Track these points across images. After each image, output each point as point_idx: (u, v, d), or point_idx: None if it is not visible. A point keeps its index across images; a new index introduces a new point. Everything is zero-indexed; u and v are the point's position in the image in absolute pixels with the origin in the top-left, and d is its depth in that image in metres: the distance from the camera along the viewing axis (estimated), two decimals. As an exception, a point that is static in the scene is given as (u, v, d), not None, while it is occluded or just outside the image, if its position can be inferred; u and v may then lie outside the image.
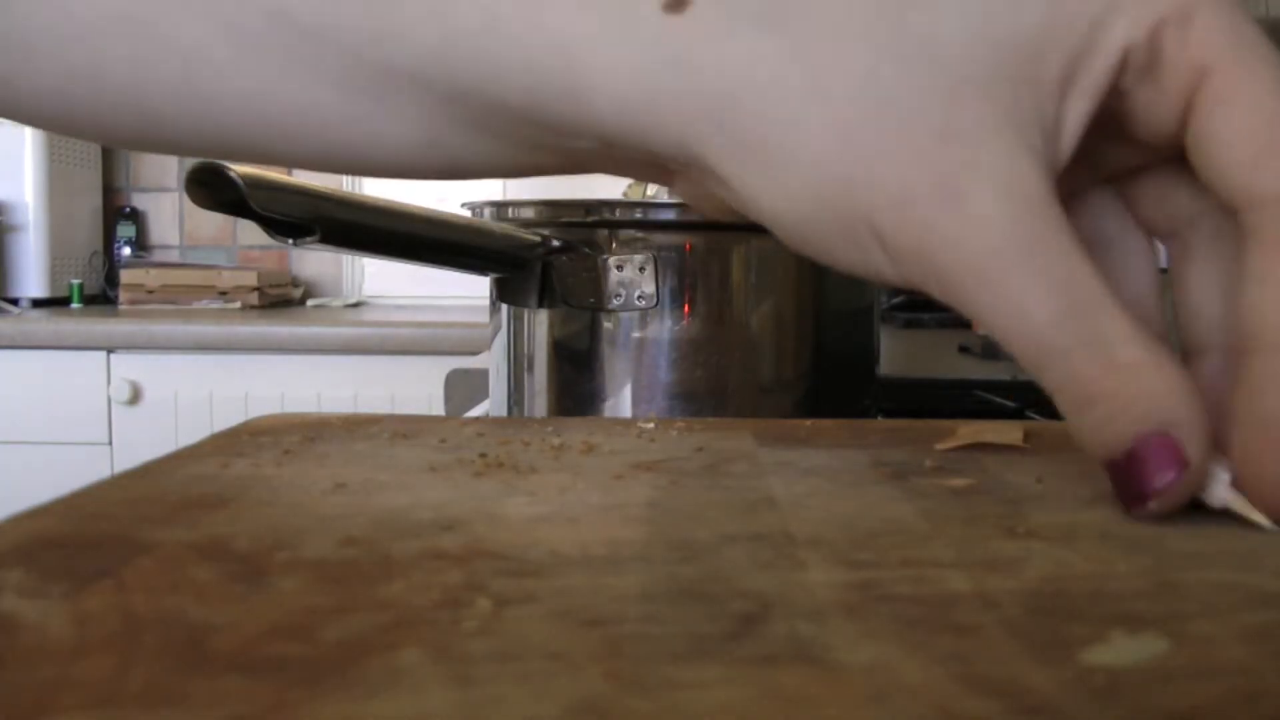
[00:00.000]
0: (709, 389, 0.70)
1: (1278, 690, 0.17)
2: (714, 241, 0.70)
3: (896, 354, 1.34)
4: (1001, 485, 0.32)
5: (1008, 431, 0.39)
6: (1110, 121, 0.25)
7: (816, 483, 0.32)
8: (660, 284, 0.69)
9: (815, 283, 0.72)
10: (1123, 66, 0.23)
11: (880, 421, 0.45)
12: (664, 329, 0.69)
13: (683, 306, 0.69)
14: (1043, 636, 0.19)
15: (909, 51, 0.22)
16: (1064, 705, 0.16)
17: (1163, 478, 0.25)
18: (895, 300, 1.89)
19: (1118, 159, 0.27)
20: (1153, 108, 0.24)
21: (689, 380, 0.70)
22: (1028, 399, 0.87)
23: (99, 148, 2.56)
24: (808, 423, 0.43)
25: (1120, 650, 0.19)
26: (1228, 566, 0.24)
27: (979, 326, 0.24)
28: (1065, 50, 0.23)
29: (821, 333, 0.73)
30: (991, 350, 1.30)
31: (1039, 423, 0.43)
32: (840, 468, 0.34)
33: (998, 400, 0.90)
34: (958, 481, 0.32)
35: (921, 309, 1.87)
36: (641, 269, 0.69)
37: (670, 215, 0.72)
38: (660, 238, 0.69)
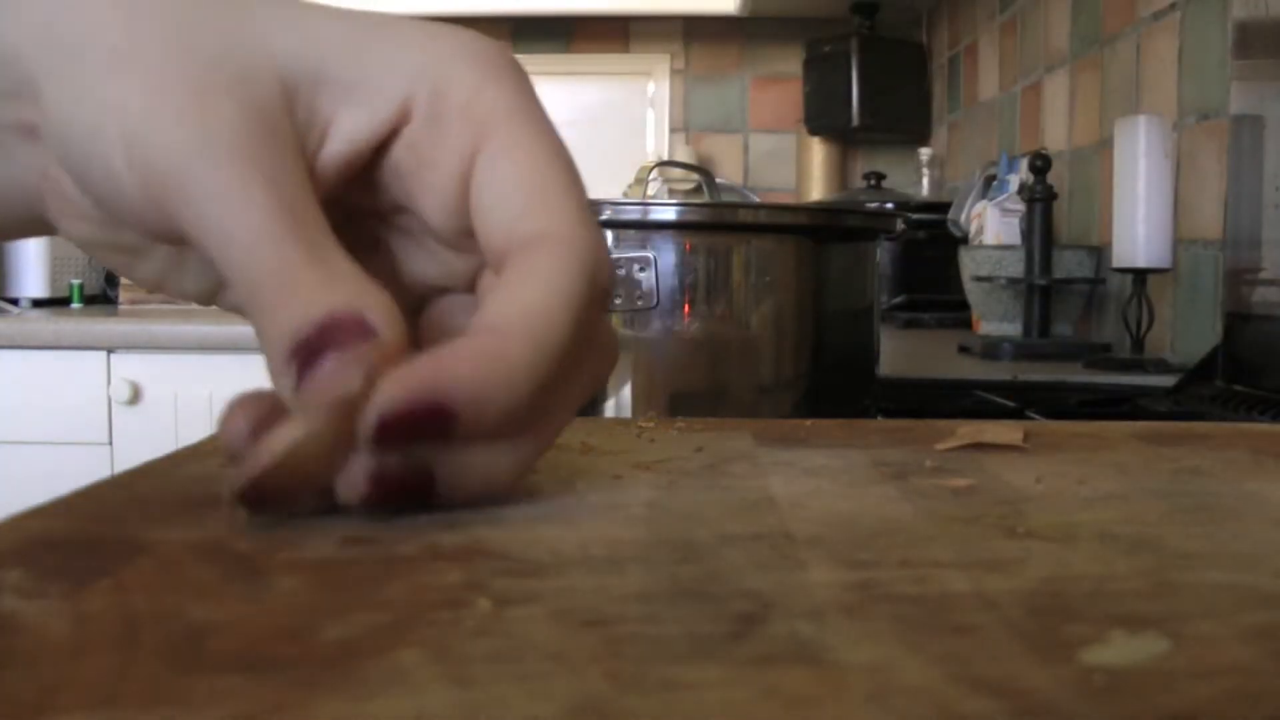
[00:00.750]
0: (709, 389, 0.70)
1: (1278, 690, 0.17)
2: (714, 241, 0.70)
3: (896, 354, 1.34)
4: (1001, 485, 0.32)
5: (1008, 431, 0.39)
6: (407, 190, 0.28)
7: (816, 483, 0.32)
8: (660, 284, 0.69)
9: (815, 283, 0.72)
10: (403, 116, 0.27)
11: (880, 421, 0.45)
12: (664, 329, 0.69)
13: (683, 306, 0.69)
14: (1043, 636, 0.19)
15: (198, 42, 0.26)
16: (1064, 705, 0.16)
17: (347, 343, 0.25)
18: (895, 300, 1.89)
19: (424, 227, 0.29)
20: (438, 165, 0.27)
21: (689, 380, 0.70)
22: (1028, 399, 0.88)
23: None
24: (808, 423, 0.43)
25: (1120, 650, 0.19)
26: (1228, 566, 0.24)
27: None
28: (350, 78, 0.27)
29: (821, 333, 0.73)
30: (991, 350, 1.31)
31: (1039, 423, 0.43)
32: (840, 468, 0.34)
33: (998, 400, 0.90)
34: (958, 481, 0.32)
35: (921, 309, 1.88)
36: (641, 269, 0.69)
37: (670, 215, 0.72)
38: (660, 238, 0.69)
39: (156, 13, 0.26)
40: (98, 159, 0.26)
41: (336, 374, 0.24)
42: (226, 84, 0.25)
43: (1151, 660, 0.18)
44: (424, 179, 0.28)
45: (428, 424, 0.25)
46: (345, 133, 0.27)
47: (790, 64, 2.67)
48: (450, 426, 0.25)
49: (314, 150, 0.27)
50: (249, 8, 0.27)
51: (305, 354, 0.25)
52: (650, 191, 2.13)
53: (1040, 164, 1.35)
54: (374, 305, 0.25)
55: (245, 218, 0.25)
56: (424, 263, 0.30)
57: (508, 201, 0.27)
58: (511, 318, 0.25)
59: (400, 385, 0.24)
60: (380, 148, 0.28)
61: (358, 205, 0.29)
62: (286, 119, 0.26)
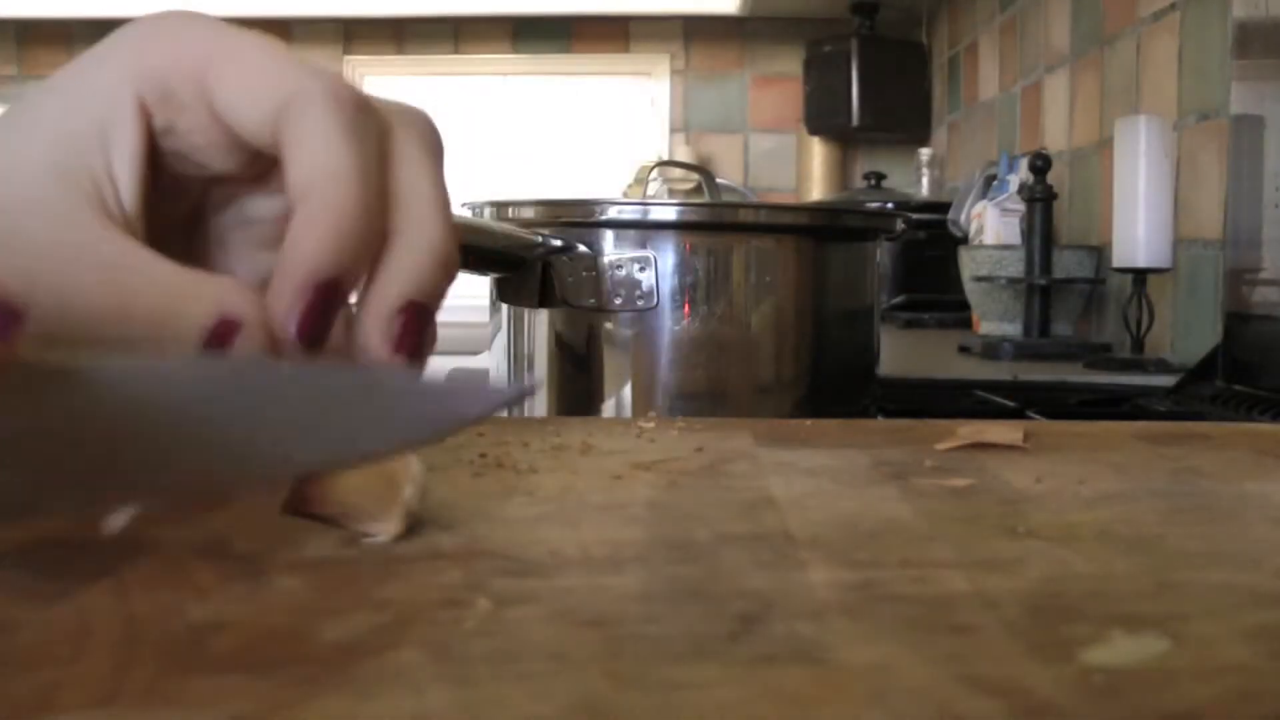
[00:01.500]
0: (709, 389, 0.70)
1: (1278, 690, 0.17)
2: (714, 241, 0.70)
3: (896, 354, 1.34)
4: (1001, 485, 0.32)
5: (1008, 431, 0.39)
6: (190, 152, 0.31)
7: (816, 483, 0.32)
8: (660, 284, 0.69)
9: (815, 283, 0.72)
10: (145, 115, 0.30)
11: (880, 421, 0.45)
12: (664, 329, 0.69)
13: (683, 306, 0.69)
14: (1043, 636, 0.19)
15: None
16: (1064, 705, 0.16)
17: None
18: (895, 300, 1.89)
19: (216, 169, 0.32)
20: (200, 123, 0.30)
21: (689, 380, 0.70)
22: (1028, 399, 0.87)
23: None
24: (808, 423, 0.43)
25: (1120, 650, 0.19)
26: (1228, 566, 0.24)
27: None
28: (88, 134, 0.30)
29: (821, 333, 0.73)
30: (991, 350, 1.31)
31: (1039, 423, 0.43)
32: (840, 468, 0.34)
33: (998, 400, 0.90)
34: (958, 481, 0.32)
35: (922, 309, 1.88)
36: (641, 269, 0.69)
37: (670, 215, 0.72)
38: (660, 238, 0.69)
39: None
40: None
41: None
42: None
43: (1151, 660, 0.18)
44: (199, 151, 0.31)
45: (329, 305, 0.27)
46: (122, 174, 0.30)
47: (790, 64, 2.67)
48: (340, 296, 0.28)
49: (116, 196, 0.30)
50: (16, 140, 0.30)
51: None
52: (650, 191, 2.13)
53: (1040, 164, 1.35)
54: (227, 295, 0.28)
55: (86, 263, 0.28)
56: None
57: (246, 96, 0.29)
58: (310, 181, 0.28)
59: (285, 302, 0.27)
60: (161, 153, 0.31)
61: (192, 205, 0.33)
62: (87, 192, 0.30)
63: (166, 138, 0.31)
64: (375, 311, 0.28)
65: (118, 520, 0.24)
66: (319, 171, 0.28)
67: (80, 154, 0.30)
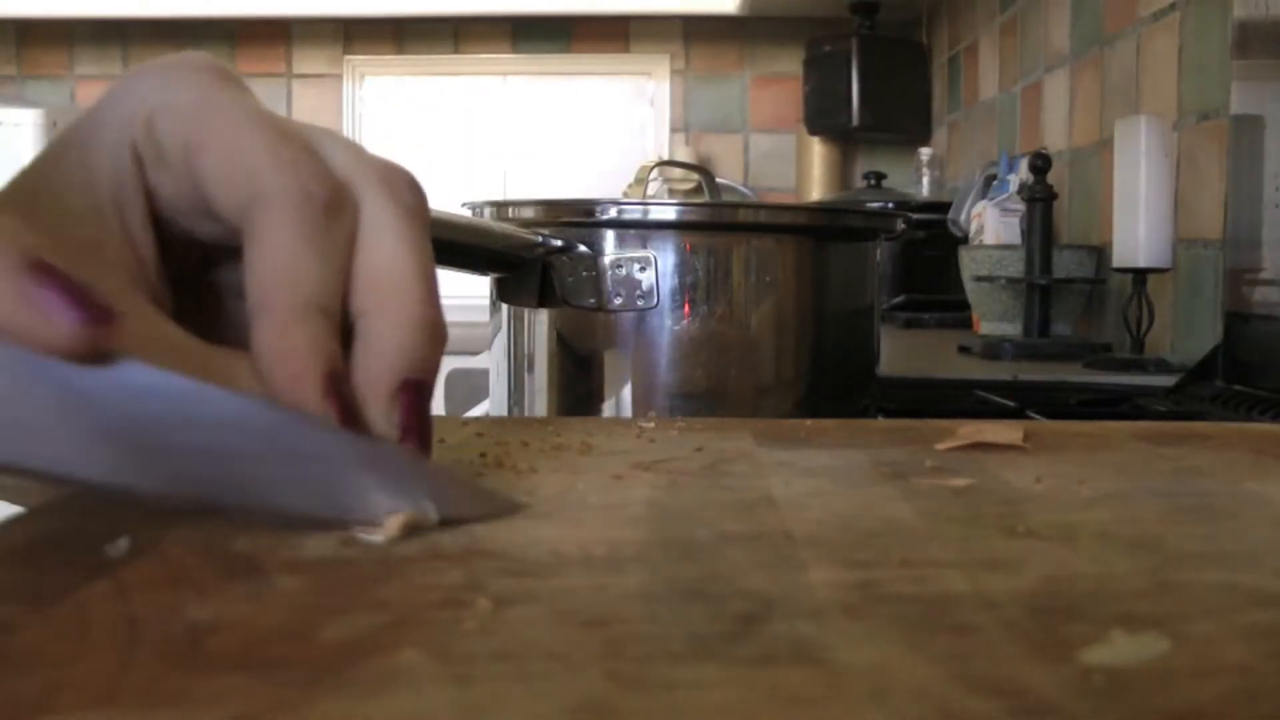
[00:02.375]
0: (709, 389, 0.70)
1: (1278, 690, 0.17)
2: (714, 241, 0.70)
3: (896, 354, 1.34)
4: (1001, 485, 0.32)
5: (1008, 431, 0.39)
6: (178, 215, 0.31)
7: (816, 483, 0.32)
8: (660, 284, 0.69)
9: (815, 283, 0.72)
10: (140, 169, 0.30)
11: (880, 421, 0.45)
12: (664, 329, 0.69)
13: (683, 306, 0.69)
14: (1043, 636, 0.19)
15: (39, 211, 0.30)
16: (1064, 705, 0.16)
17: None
18: (895, 300, 1.89)
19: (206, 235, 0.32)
20: (184, 190, 0.30)
21: (689, 380, 0.70)
22: (1028, 399, 0.87)
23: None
24: (808, 423, 0.43)
25: (1120, 650, 0.19)
26: (1228, 566, 0.24)
27: None
28: (105, 198, 0.30)
29: (821, 333, 0.73)
30: (991, 350, 1.31)
31: (1039, 423, 0.43)
32: (840, 468, 0.34)
33: (998, 400, 0.90)
34: (958, 481, 0.32)
35: (922, 309, 1.88)
36: (642, 269, 0.69)
37: (670, 215, 0.72)
38: (660, 238, 0.69)
39: None
40: None
41: None
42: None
43: (1152, 660, 0.18)
44: (180, 209, 0.31)
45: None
46: (136, 226, 0.31)
47: (790, 64, 2.67)
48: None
49: (140, 261, 0.31)
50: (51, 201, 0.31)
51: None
52: (650, 191, 2.13)
53: (1040, 164, 1.35)
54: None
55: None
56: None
57: (223, 182, 0.30)
58: (259, 285, 0.28)
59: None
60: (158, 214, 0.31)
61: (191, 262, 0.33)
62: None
63: (155, 200, 0.31)
64: (375, 395, 0.28)
65: (120, 546, 0.24)
66: (268, 277, 0.28)
67: (106, 229, 0.30)
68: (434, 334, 0.29)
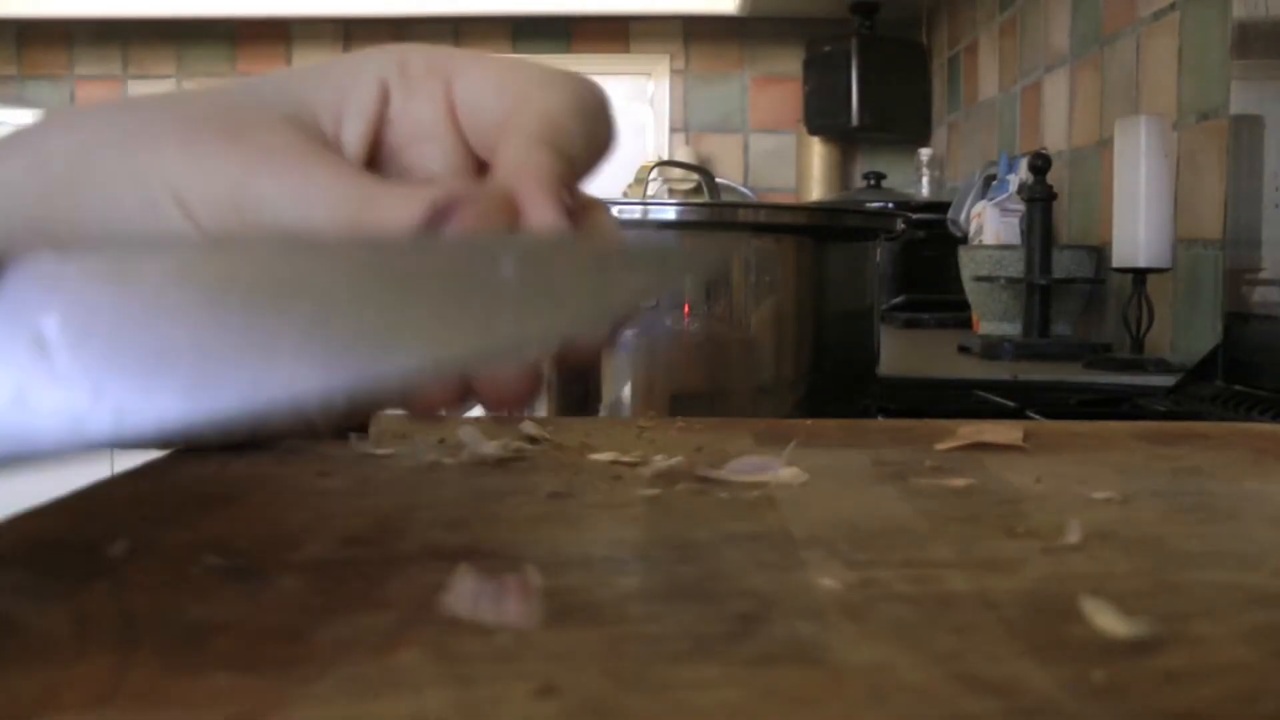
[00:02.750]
0: (709, 389, 0.70)
1: (1278, 690, 0.17)
2: (714, 242, 0.70)
3: (896, 354, 1.33)
4: (1001, 485, 0.32)
5: (1008, 431, 0.39)
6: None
7: (816, 483, 0.32)
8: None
9: (815, 283, 0.72)
10: (384, 96, 0.32)
11: (880, 421, 0.45)
12: (664, 329, 0.69)
13: (683, 306, 0.69)
14: (1043, 636, 0.19)
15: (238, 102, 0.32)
16: (1064, 705, 0.16)
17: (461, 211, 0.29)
18: (895, 300, 1.89)
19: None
20: (429, 113, 0.32)
21: (689, 380, 0.70)
22: (1028, 399, 0.87)
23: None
24: (808, 423, 0.43)
25: (1114, 624, 0.19)
26: (1228, 566, 0.24)
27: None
28: (329, 102, 0.32)
29: (821, 333, 0.73)
30: (991, 350, 1.31)
31: (1039, 423, 0.43)
32: (840, 468, 0.34)
33: (997, 400, 0.90)
34: (958, 481, 0.32)
35: (922, 309, 1.88)
36: (641, 269, 0.69)
37: (670, 215, 0.72)
38: (660, 238, 0.69)
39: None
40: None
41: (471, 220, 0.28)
42: (260, 127, 0.31)
43: (1144, 638, 0.18)
44: (419, 144, 0.32)
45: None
46: (350, 136, 0.32)
47: (790, 64, 2.67)
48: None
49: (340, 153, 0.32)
50: (251, 94, 0.32)
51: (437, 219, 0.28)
52: (650, 191, 2.13)
53: (1040, 164, 1.35)
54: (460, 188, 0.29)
55: (320, 176, 0.29)
56: None
57: (484, 101, 0.32)
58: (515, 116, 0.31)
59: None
60: (378, 142, 0.32)
61: None
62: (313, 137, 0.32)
63: (391, 126, 0.32)
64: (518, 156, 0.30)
65: (120, 546, 0.24)
66: (522, 120, 0.31)
67: (315, 117, 0.32)
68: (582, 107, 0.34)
